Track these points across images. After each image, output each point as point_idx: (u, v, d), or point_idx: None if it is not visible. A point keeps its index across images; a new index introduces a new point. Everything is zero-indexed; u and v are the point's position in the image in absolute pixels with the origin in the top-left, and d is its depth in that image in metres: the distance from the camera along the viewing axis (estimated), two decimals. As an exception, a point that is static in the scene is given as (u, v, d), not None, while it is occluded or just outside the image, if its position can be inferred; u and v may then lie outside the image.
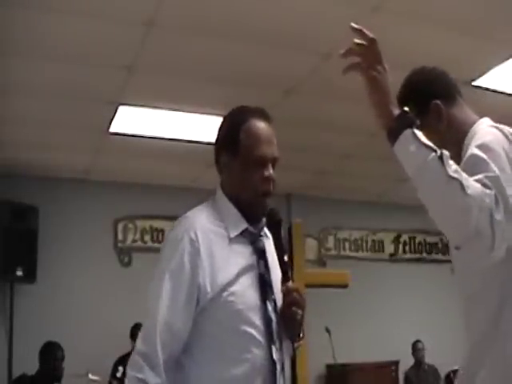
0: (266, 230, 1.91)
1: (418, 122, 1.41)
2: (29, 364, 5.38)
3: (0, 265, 5.62)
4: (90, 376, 5.33)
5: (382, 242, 7.98)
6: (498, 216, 1.29)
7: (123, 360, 5.79)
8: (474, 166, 1.37)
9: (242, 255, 1.81)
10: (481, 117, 1.60)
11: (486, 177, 1.33)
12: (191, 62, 4.21)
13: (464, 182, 1.30)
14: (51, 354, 5.45)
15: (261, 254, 1.85)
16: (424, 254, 7.94)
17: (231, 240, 1.81)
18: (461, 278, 1.50)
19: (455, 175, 1.31)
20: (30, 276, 5.82)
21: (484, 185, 1.32)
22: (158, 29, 3.75)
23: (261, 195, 1.83)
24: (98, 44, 3.90)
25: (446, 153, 1.35)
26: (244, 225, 1.83)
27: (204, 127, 5.26)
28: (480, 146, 1.39)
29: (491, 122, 1.53)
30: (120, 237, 6.81)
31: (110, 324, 6.05)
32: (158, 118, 5.13)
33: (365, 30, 1.48)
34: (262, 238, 1.88)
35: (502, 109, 1.36)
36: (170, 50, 4.04)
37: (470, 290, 1.47)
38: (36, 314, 5.96)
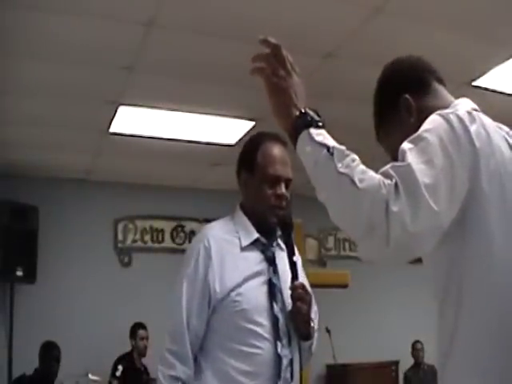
0: (280, 242, 2.13)
1: (319, 119, 1.37)
2: (29, 364, 5.39)
3: (0, 265, 5.62)
4: (90, 376, 5.33)
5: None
6: (395, 207, 1.18)
7: (123, 359, 5.80)
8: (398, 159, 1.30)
9: (251, 262, 2.04)
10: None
11: (393, 166, 1.25)
12: (191, 62, 4.21)
13: (356, 177, 1.23)
14: (47, 354, 5.46)
15: (270, 261, 2.07)
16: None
17: (243, 248, 2.05)
18: (431, 281, 1.45)
19: (345, 170, 1.25)
20: (30, 276, 5.82)
21: (386, 176, 1.24)
22: (158, 29, 3.75)
23: (273, 210, 2.05)
24: (98, 44, 3.90)
25: (338, 147, 1.29)
26: (255, 235, 2.07)
27: (204, 127, 5.27)
28: (411, 139, 1.31)
29: (467, 105, 1.45)
30: (120, 237, 6.81)
31: (110, 324, 6.06)
32: (157, 118, 5.12)
33: (269, 38, 1.47)
34: (273, 248, 2.11)
35: (502, 109, 1.35)
36: (170, 50, 4.04)
37: (439, 294, 1.41)
38: (36, 313, 5.96)
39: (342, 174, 1.25)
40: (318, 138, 1.33)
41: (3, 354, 5.67)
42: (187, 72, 4.37)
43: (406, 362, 7.20)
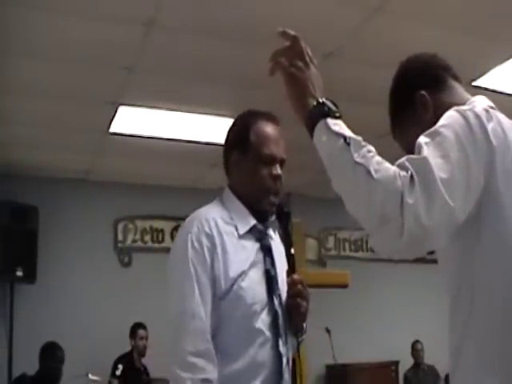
0: (271, 231, 1.98)
1: (336, 110, 1.37)
2: (29, 364, 5.38)
3: (0, 265, 5.62)
4: (90, 376, 5.33)
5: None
6: (410, 199, 1.18)
7: (123, 359, 5.80)
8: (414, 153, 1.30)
9: (250, 252, 1.87)
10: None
11: (409, 159, 1.25)
12: (191, 62, 4.21)
13: (371, 167, 1.23)
14: (51, 355, 5.44)
15: (267, 250, 1.91)
16: (424, 254, 7.92)
17: (240, 237, 1.87)
18: (444, 277, 1.45)
19: (361, 160, 1.25)
20: (30, 276, 5.82)
21: (402, 167, 1.23)
22: (158, 29, 3.75)
23: (269, 192, 1.91)
24: (98, 44, 3.90)
25: (355, 137, 1.30)
26: (252, 221, 1.90)
27: (204, 127, 5.27)
28: (428, 133, 1.31)
29: (483, 102, 1.46)
30: (120, 237, 6.81)
31: (110, 324, 6.06)
32: (157, 118, 5.12)
33: (287, 30, 1.45)
34: (268, 235, 1.95)
35: (502, 109, 1.35)
36: (170, 50, 4.04)
37: (451, 291, 1.40)
38: (36, 314, 5.96)
39: (358, 164, 1.25)
40: (335, 128, 1.33)
41: (3, 354, 5.67)
42: (187, 72, 4.37)
43: (406, 362, 7.19)
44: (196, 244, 1.80)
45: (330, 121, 1.35)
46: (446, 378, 6.73)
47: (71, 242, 6.38)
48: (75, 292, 6.23)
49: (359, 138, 1.30)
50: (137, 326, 5.94)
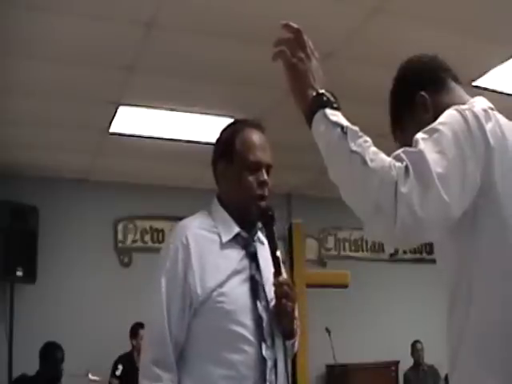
0: (260, 235, 2.00)
1: (335, 101, 1.39)
2: (29, 364, 5.38)
3: (0, 265, 5.61)
4: (90, 376, 5.33)
5: (381, 243, 7.97)
6: (404, 189, 1.20)
7: (123, 358, 5.80)
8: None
9: (233, 259, 1.90)
10: None
11: (405, 151, 1.27)
12: (191, 62, 4.21)
13: (367, 156, 1.25)
14: (51, 355, 5.44)
15: (252, 257, 1.94)
16: (424, 254, 7.94)
17: (223, 245, 1.91)
18: (442, 275, 1.46)
19: (357, 149, 1.27)
20: (30, 276, 5.82)
21: (398, 159, 1.25)
22: (158, 29, 3.75)
23: (255, 199, 1.93)
24: (98, 44, 3.90)
25: (352, 128, 1.32)
26: (236, 230, 1.93)
27: (204, 127, 5.27)
28: (426, 130, 1.33)
29: (483, 103, 1.47)
30: (120, 237, 6.81)
31: (110, 324, 6.05)
32: (157, 119, 5.13)
33: (290, 23, 1.50)
34: (255, 243, 1.98)
35: (502, 109, 1.35)
36: (170, 50, 4.04)
37: (449, 289, 1.41)
38: (36, 314, 5.96)
39: (354, 152, 1.27)
40: (333, 118, 1.35)
41: (3, 353, 5.67)
42: (187, 72, 4.38)
43: (406, 362, 7.19)
44: (172, 256, 1.86)
45: (329, 111, 1.37)
46: (446, 378, 6.71)
47: (71, 242, 6.38)
48: (75, 292, 6.23)
49: (356, 128, 1.33)
50: (137, 326, 5.93)
